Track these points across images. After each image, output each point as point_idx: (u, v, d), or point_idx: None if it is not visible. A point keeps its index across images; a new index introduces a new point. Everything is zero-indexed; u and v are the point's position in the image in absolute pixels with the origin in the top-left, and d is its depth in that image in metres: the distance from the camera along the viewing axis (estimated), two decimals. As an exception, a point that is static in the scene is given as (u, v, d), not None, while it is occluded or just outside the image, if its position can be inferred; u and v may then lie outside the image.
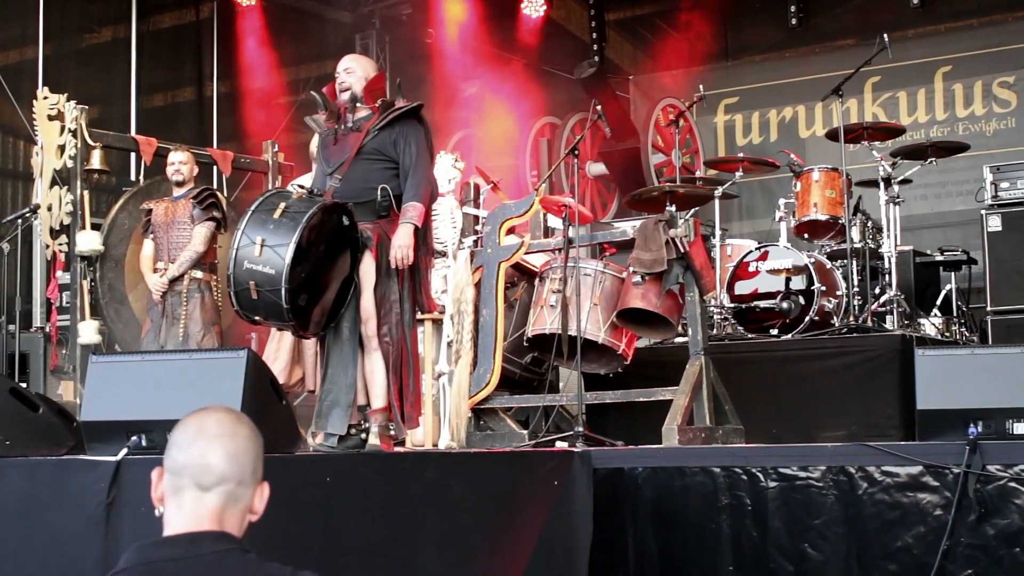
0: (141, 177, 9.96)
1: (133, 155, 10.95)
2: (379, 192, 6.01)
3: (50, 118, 8.75)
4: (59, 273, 9.17)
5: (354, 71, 6.31)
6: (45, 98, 8.81)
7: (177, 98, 13.96)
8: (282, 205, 5.65)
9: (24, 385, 7.62)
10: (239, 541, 2.45)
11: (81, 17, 12.82)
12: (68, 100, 8.77)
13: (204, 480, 2.44)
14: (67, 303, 9.21)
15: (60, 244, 8.80)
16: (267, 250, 5.54)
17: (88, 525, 4.12)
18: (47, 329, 10.07)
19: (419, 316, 6.59)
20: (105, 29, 13.15)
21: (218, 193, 8.35)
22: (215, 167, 9.92)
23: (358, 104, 6.25)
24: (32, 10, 11.97)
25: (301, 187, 6.05)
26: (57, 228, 8.80)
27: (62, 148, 8.71)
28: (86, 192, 8.78)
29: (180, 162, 8.33)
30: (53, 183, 8.79)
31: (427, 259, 6.29)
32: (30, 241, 10.66)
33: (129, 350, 8.61)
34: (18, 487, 4.52)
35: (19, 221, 9.52)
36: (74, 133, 8.71)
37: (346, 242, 5.88)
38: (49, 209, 8.78)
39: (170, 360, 5.09)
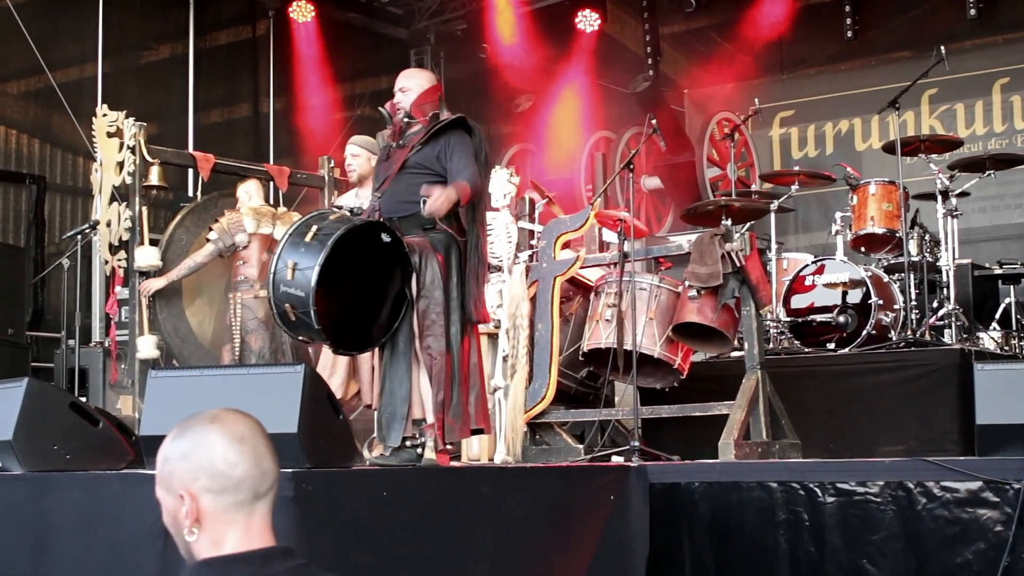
0: (199, 193, 10.03)
1: (191, 171, 11.07)
2: (421, 201, 5.88)
3: (109, 135, 8.81)
4: (118, 288, 9.21)
5: (408, 89, 6.23)
6: (104, 115, 8.87)
7: (234, 114, 14.09)
8: (315, 227, 5.67)
9: (84, 399, 7.68)
10: (300, 555, 2.31)
11: (139, 35, 12.97)
12: (127, 117, 8.84)
13: (261, 488, 2.28)
14: (126, 318, 9.27)
15: (119, 260, 8.85)
16: (298, 273, 5.59)
17: (147, 539, 4.15)
18: (106, 344, 10.14)
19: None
20: (163, 46, 13.30)
21: (223, 215, 8.72)
22: (272, 183, 9.98)
23: (410, 120, 6.18)
24: (91, 28, 12.13)
25: (338, 208, 6.05)
26: (116, 244, 8.85)
27: (121, 165, 8.77)
28: (144, 208, 8.85)
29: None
30: (112, 199, 8.85)
31: (477, 269, 6.12)
32: (89, 257, 10.76)
33: (187, 365, 8.67)
34: (79, 501, 4.58)
35: (79, 237, 9.63)
36: (133, 150, 8.77)
37: (394, 258, 5.85)
38: (108, 225, 8.83)
39: (228, 375, 5.12)
